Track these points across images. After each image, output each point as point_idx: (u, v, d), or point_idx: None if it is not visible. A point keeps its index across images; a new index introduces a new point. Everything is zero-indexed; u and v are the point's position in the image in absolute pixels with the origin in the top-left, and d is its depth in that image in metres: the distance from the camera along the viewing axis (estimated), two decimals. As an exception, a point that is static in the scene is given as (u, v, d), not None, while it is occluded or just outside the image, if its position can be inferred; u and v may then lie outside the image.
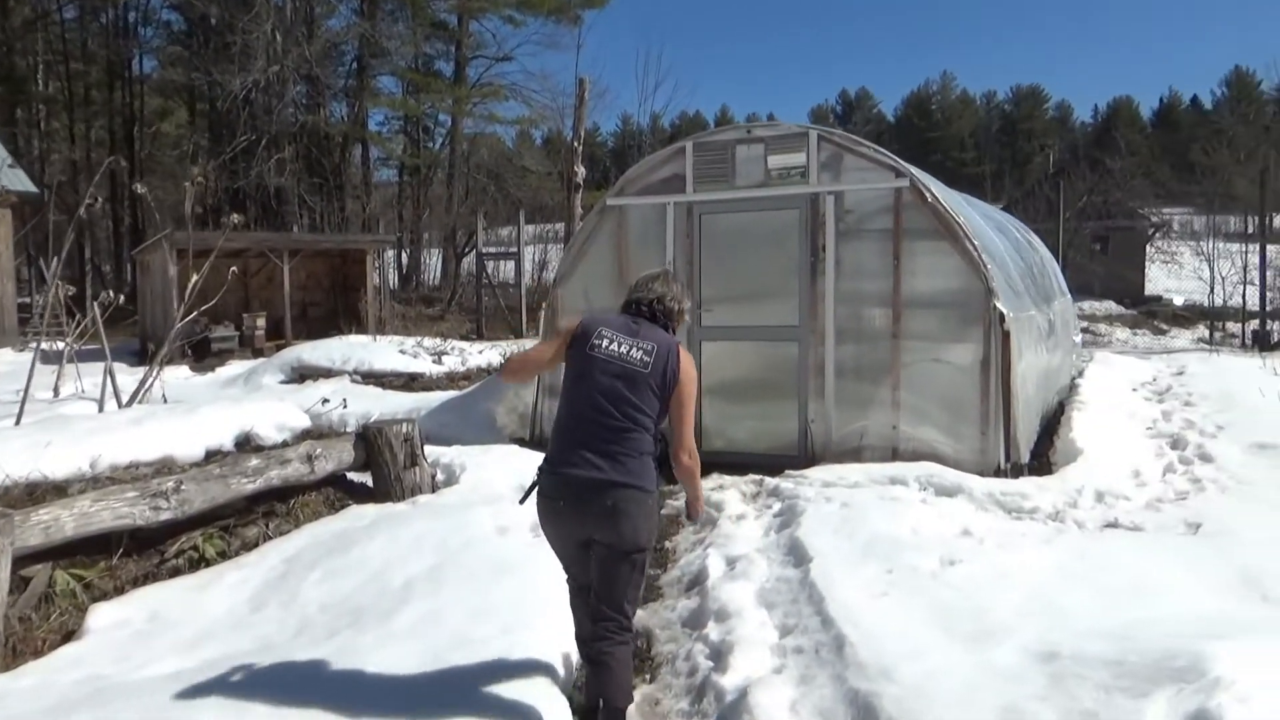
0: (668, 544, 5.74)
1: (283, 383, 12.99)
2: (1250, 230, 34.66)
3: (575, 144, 18.50)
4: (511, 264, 24.61)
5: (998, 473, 6.89)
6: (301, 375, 13.01)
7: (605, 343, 3.21)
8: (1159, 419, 8.22)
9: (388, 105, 34.11)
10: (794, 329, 7.64)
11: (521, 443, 8.63)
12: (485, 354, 14.30)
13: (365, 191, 35.43)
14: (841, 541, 4.97)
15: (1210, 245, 28.93)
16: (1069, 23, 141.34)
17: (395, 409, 9.59)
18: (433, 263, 39.75)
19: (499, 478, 6.31)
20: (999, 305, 6.94)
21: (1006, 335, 6.92)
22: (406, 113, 37.34)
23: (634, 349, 3.20)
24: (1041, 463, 7.32)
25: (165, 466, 6.01)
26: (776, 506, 6.03)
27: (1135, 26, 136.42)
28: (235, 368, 15.79)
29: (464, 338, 21.86)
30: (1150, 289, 35.35)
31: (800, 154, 7.50)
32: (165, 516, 4.82)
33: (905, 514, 5.43)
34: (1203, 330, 30.96)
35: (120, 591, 4.59)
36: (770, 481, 6.74)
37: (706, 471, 7.28)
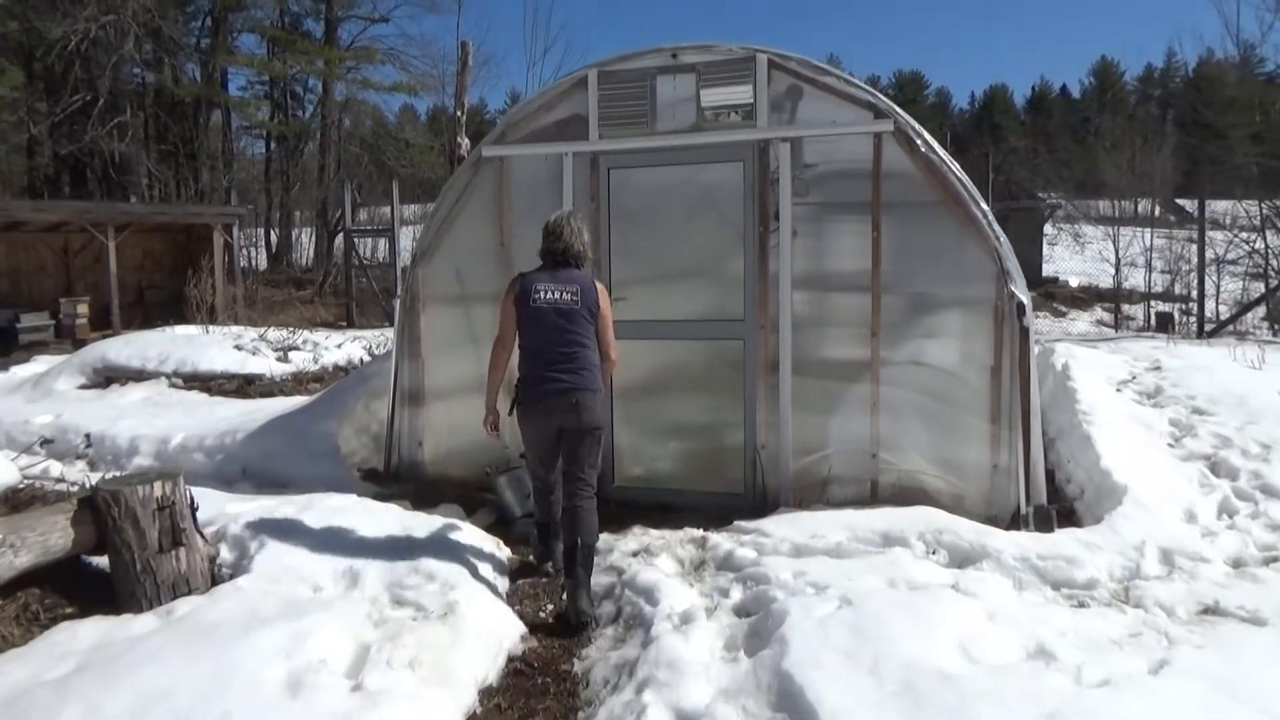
0: (577, 665, 3.73)
1: (82, 387, 10.36)
2: (1116, 213, 34.91)
3: (458, 113, 16.40)
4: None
5: (1015, 520, 5.14)
6: (107, 378, 10.41)
7: (542, 294, 4.28)
8: (1178, 433, 6.64)
9: (246, 64, 30.58)
10: (737, 324, 5.71)
11: (374, 477, 6.48)
12: (345, 348, 11.92)
13: (225, 162, 31.92)
14: (861, 682, 3.05)
15: (1115, 229, 28.64)
16: (946, 9, 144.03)
17: (207, 429, 7.27)
18: (307, 241, 36.56)
19: (316, 559, 4.16)
20: (1017, 293, 5.16)
21: (1025, 333, 5.15)
22: (271, 75, 33.78)
23: (563, 293, 4.27)
24: (1060, 502, 5.60)
25: None
26: (737, 595, 4.07)
27: (1009, 16, 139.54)
28: (38, 365, 12.95)
29: (333, 325, 19.33)
30: (1047, 270, 35.08)
31: (745, 86, 5.54)
32: None
33: (941, 619, 3.55)
34: (1100, 312, 30.76)
35: None
36: (716, 542, 4.79)
37: (624, 521, 5.34)
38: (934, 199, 5.26)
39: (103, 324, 17.46)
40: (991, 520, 5.15)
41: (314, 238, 34.83)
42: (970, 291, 5.24)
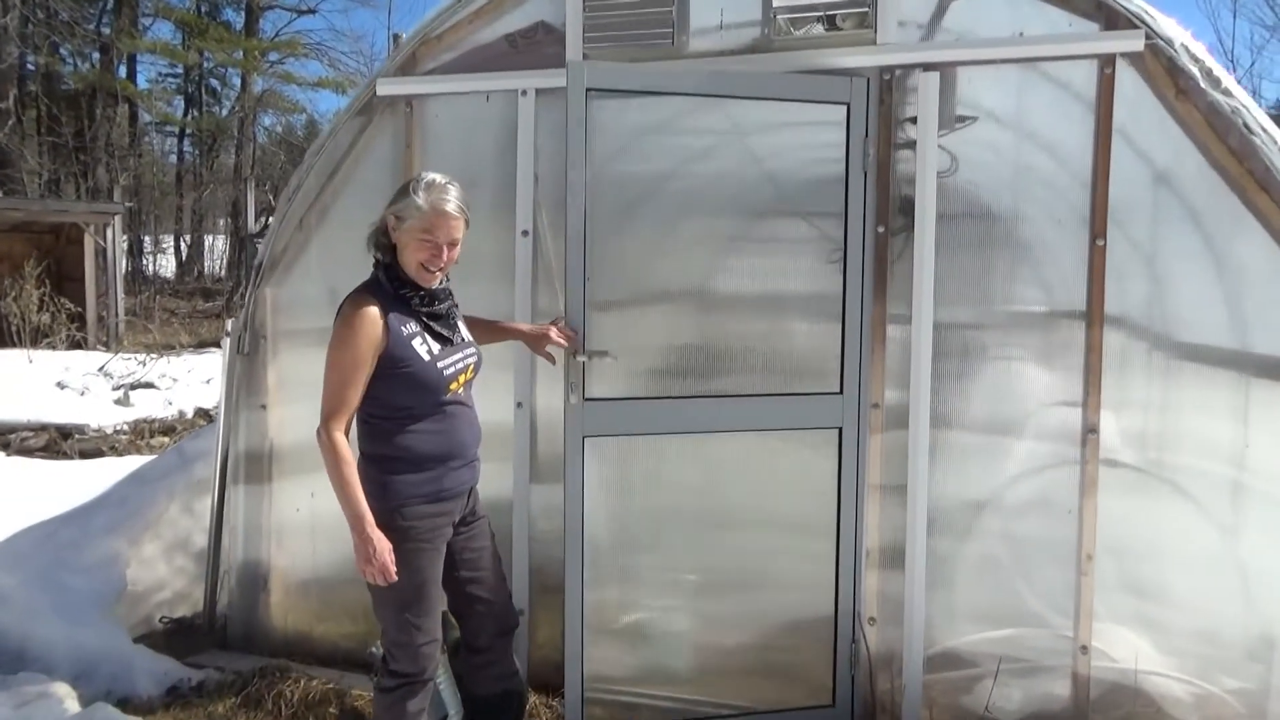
0: None
1: None
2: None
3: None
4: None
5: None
6: None
7: None
8: None
9: (150, 49, 27.39)
10: (829, 402, 3.17)
11: (185, 637, 3.87)
12: (217, 383, 9.09)
13: (122, 158, 28.51)
14: None
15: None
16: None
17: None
18: (221, 248, 33.61)
19: None
20: (1389, 361, 2.75)
21: (1398, 437, 2.73)
22: (183, 64, 30.61)
23: None
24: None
25: None
26: None
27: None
28: None
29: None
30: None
31: (857, -29, 3.04)
32: None
33: None
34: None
35: None
36: None
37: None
38: (1216, 181, 2.82)
39: (-69, 344, 14.34)
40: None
41: (227, 245, 31.78)
42: (1288, 357, 2.82)
